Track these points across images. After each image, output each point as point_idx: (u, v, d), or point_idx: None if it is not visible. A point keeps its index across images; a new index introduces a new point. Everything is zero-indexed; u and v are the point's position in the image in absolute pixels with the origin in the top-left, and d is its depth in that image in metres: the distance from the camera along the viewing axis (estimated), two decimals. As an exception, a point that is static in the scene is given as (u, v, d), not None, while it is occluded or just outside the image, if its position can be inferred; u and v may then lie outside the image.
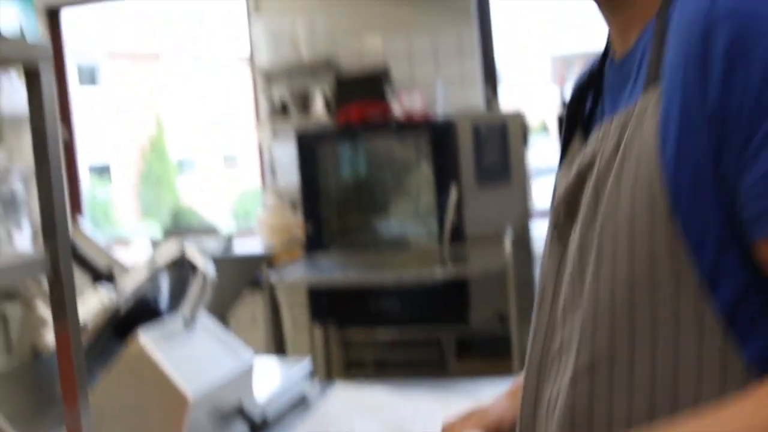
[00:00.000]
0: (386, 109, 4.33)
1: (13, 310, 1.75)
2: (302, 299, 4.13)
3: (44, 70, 1.11)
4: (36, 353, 1.70)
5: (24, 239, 5.25)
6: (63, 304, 1.16)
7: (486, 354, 4.10)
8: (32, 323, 1.63)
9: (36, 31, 1.07)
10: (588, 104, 0.98)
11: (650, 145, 0.76)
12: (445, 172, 4.12)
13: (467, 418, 1.15)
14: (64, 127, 5.50)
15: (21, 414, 1.58)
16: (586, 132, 0.95)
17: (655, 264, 0.76)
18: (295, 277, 3.89)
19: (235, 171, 18.83)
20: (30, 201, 5.32)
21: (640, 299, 0.77)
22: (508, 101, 4.85)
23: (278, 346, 4.27)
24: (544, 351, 0.91)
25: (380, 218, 4.39)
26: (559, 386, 0.86)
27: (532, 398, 0.92)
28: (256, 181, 5.06)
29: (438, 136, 4.16)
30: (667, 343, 0.76)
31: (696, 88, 0.73)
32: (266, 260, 1.84)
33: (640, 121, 0.78)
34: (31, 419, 1.59)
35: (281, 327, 4.32)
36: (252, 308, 4.29)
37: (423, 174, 4.33)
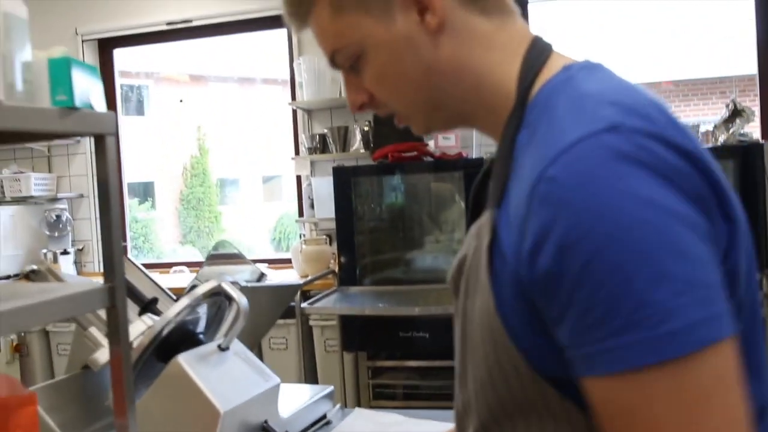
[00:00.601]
0: (422, 147, 4.52)
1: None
2: (334, 328, 4.32)
3: (110, 136, 1.33)
4: (85, 368, 1.91)
5: (68, 261, 5.53)
6: (118, 330, 1.36)
7: None
8: (85, 343, 1.84)
9: (101, 97, 1.24)
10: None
11: (485, 259, 0.88)
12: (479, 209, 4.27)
13: None
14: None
15: (69, 422, 1.79)
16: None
17: (503, 366, 0.87)
18: (328, 307, 4.10)
19: (274, 194, 19.06)
20: (73, 225, 5.60)
21: (501, 392, 0.89)
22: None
23: (310, 373, 4.46)
24: (458, 400, 1.04)
25: (414, 253, 4.55)
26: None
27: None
28: (294, 206, 5.26)
29: (472, 174, 4.34)
30: (543, 422, 0.87)
31: (514, 247, 0.84)
32: (299, 290, 2.03)
33: (481, 238, 0.91)
34: (79, 427, 1.80)
35: (313, 354, 4.52)
36: (286, 335, 4.51)
37: (457, 210, 4.50)
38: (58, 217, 5.57)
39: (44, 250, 5.40)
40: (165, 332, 1.70)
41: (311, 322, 4.44)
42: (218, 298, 1.83)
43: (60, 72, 1.24)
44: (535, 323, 0.83)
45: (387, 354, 4.32)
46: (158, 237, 15.44)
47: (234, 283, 1.79)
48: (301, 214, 5.29)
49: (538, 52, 0.97)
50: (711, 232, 0.80)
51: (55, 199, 5.63)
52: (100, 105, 1.32)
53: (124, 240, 5.85)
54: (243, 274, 1.97)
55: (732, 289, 0.82)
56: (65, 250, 5.52)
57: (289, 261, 5.11)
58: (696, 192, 0.79)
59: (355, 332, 4.23)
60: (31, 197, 5.44)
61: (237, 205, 18.70)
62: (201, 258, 12.06)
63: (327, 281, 4.56)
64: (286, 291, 2.18)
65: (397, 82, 1.00)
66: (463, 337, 0.97)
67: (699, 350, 0.74)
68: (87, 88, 1.29)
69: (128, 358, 1.39)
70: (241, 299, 1.74)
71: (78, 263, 5.72)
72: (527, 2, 4.99)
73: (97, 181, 1.34)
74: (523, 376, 0.86)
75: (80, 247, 5.73)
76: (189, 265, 5.61)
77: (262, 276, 2.08)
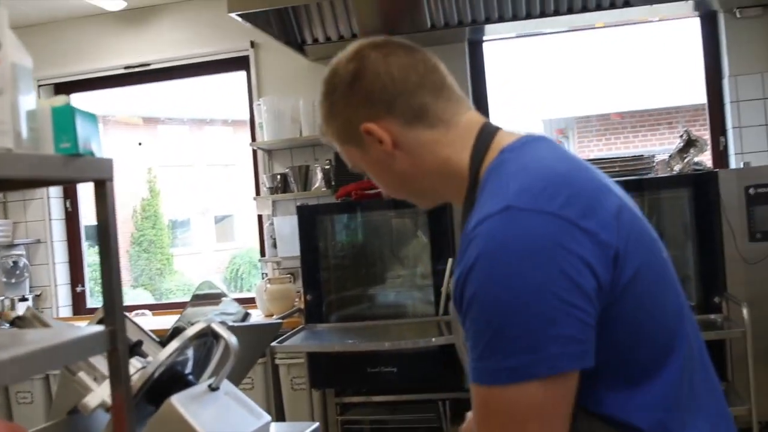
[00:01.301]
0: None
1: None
2: (301, 366, 4.32)
3: (109, 181, 1.35)
4: (71, 413, 1.92)
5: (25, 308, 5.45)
6: (119, 373, 1.38)
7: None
8: (72, 388, 1.84)
9: (100, 143, 1.26)
10: None
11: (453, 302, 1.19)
12: (441, 243, 4.34)
13: None
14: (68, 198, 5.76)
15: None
16: None
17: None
18: (298, 345, 4.11)
19: (227, 234, 18.97)
20: (30, 270, 5.55)
21: None
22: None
23: (278, 412, 4.45)
24: None
25: (378, 288, 4.58)
26: None
27: None
28: (249, 242, 5.29)
29: (433, 210, 4.38)
30: None
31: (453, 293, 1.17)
32: (279, 327, 2.06)
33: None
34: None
35: (280, 392, 4.51)
36: (252, 375, 4.49)
37: (420, 245, 4.55)
38: (15, 263, 5.51)
39: (1, 297, 5.33)
40: (156, 374, 1.71)
41: (277, 361, 4.44)
42: (206, 339, 1.85)
43: (63, 120, 1.27)
44: None
45: (355, 390, 4.34)
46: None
47: (222, 323, 1.81)
48: (263, 253, 5.29)
49: (483, 139, 1.30)
50: (591, 274, 1.08)
51: (11, 245, 5.57)
52: (99, 151, 1.35)
53: (83, 284, 5.79)
54: (227, 314, 1.99)
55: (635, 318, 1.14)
56: (23, 296, 5.46)
57: (246, 300, 5.11)
58: (570, 250, 1.08)
59: (323, 369, 4.22)
60: (-13, 243, 5.38)
61: (189, 246, 18.58)
62: (154, 301, 11.94)
63: (293, 319, 4.57)
64: (269, 329, 2.20)
65: (389, 187, 1.40)
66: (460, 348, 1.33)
67: (505, 385, 1.07)
68: (88, 135, 1.32)
69: (130, 400, 1.41)
70: (231, 338, 1.77)
71: (37, 309, 5.64)
72: (482, 41, 5.10)
73: (98, 225, 1.36)
74: None
75: (38, 293, 5.66)
76: (151, 308, 5.57)
77: (246, 315, 2.10)
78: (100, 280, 1.34)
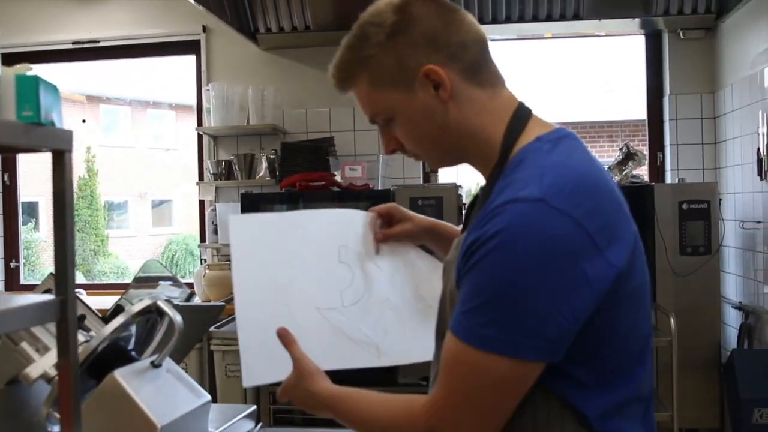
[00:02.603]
0: (330, 177, 4.60)
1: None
2: (237, 353, 4.30)
3: (68, 152, 1.37)
4: (9, 383, 1.91)
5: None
6: (68, 344, 1.39)
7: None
8: (12, 358, 1.84)
9: (61, 114, 1.27)
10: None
11: (455, 272, 1.26)
12: (381, 239, 4.38)
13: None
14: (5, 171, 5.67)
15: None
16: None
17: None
18: (233, 331, 4.10)
19: (164, 219, 18.78)
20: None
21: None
22: (448, 174, 5.18)
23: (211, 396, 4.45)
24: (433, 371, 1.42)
25: (313, 279, 4.61)
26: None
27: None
28: (186, 229, 5.26)
29: (377, 203, 4.43)
30: None
31: (462, 252, 1.23)
32: (222, 310, 2.07)
33: (457, 247, 1.32)
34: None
35: (214, 378, 4.52)
36: (186, 359, 4.49)
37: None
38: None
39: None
40: (100, 348, 1.72)
41: (212, 347, 4.44)
42: (149, 316, 1.87)
43: (27, 88, 1.28)
44: None
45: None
46: (40, 259, 14.95)
47: (167, 301, 1.83)
48: (203, 239, 5.29)
49: (520, 120, 1.33)
50: (584, 285, 1.15)
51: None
52: (60, 122, 1.37)
53: (17, 260, 5.71)
54: (172, 294, 2.01)
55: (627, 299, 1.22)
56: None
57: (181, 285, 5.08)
58: (576, 259, 1.14)
59: (259, 357, 4.22)
60: None
61: (124, 229, 18.34)
62: (86, 281, 11.76)
63: (230, 307, 4.56)
64: (212, 311, 2.22)
65: (419, 139, 1.38)
66: (440, 309, 1.39)
67: (492, 353, 1.15)
68: (50, 106, 1.33)
69: (77, 372, 1.42)
70: (176, 316, 1.79)
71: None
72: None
73: (54, 196, 1.37)
74: None
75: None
76: (85, 287, 5.52)
77: (191, 296, 2.12)
78: (32, 258, 1.34)
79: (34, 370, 1.74)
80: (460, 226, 1.58)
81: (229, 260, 4.94)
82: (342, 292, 1.66)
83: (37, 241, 15.21)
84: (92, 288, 5.60)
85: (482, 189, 1.36)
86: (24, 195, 5.84)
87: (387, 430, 1.34)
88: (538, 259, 1.13)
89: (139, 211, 18.75)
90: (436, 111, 1.33)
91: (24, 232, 6.43)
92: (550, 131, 1.31)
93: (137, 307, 1.77)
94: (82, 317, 1.97)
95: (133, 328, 1.89)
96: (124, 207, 18.76)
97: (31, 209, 15.72)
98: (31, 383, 1.73)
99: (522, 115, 1.34)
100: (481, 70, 1.34)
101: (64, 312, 1.38)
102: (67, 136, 1.37)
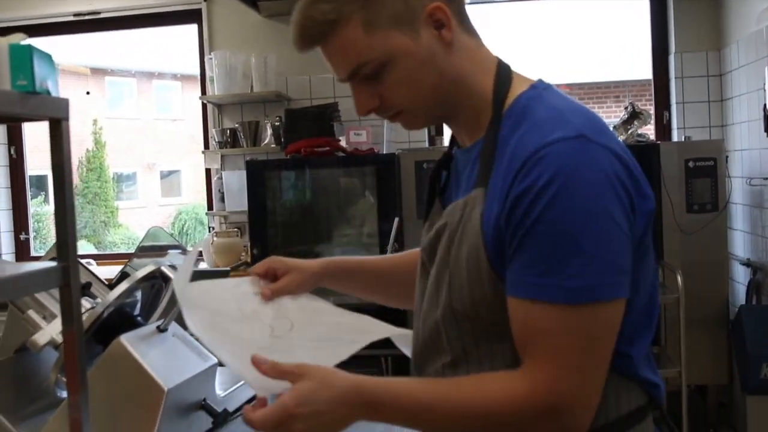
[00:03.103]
0: (335, 142, 4.60)
1: None
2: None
3: (65, 121, 1.38)
4: (18, 351, 1.94)
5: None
6: (71, 310, 1.41)
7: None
8: (20, 326, 1.87)
9: (57, 84, 1.28)
10: (443, 179, 1.42)
11: (477, 224, 1.19)
12: (388, 204, 4.41)
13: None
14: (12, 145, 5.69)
15: (3, 404, 1.81)
16: (443, 198, 1.39)
17: (485, 290, 1.19)
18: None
19: (173, 190, 18.82)
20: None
21: (480, 312, 1.21)
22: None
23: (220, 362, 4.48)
24: (417, 343, 1.34)
25: (325, 245, 4.62)
26: (434, 369, 1.30)
27: (418, 372, 1.34)
28: (195, 199, 5.27)
29: (382, 170, 4.45)
30: (503, 343, 1.20)
31: (501, 203, 1.15)
32: (227, 274, 2.08)
33: (472, 207, 1.21)
34: (13, 410, 1.82)
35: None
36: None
37: (367, 204, 4.60)
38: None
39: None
40: (105, 314, 1.74)
41: (223, 314, 4.47)
42: (155, 282, 1.89)
43: (21, 57, 1.29)
44: (504, 256, 1.16)
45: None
46: (51, 232, 15.03)
47: (172, 266, 1.85)
48: (210, 207, 5.30)
49: (505, 71, 1.29)
50: (631, 220, 1.14)
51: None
52: (56, 91, 1.37)
53: (27, 232, 5.75)
54: (177, 260, 2.02)
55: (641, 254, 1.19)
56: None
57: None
58: (626, 191, 1.13)
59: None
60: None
61: (134, 200, 18.39)
62: (96, 252, 11.82)
63: (239, 273, 4.59)
64: (217, 276, 2.23)
65: (416, 84, 1.25)
66: (438, 280, 1.27)
67: (592, 303, 1.10)
68: (44, 75, 1.34)
69: (81, 337, 1.44)
70: (180, 281, 1.80)
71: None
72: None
73: (52, 164, 1.38)
74: (499, 297, 1.17)
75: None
76: (95, 257, 5.55)
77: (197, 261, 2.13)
78: (43, 231, 1.35)
79: (41, 337, 1.76)
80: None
81: (237, 227, 4.98)
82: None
83: (47, 214, 15.27)
84: (103, 258, 5.63)
85: (464, 150, 1.33)
86: (32, 169, 5.85)
87: (488, 427, 1.16)
88: (600, 193, 1.10)
89: (147, 182, 18.79)
90: (438, 54, 1.24)
91: (34, 205, 6.46)
92: (537, 81, 1.29)
93: (141, 272, 1.78)
94: (88, 285, 1.99)
95: (139, 294, 1.90)
96: (132, 179, 18.80)
97: (40, 183, 15.77)
98: (38, 350, 1.76)
99: (506, 66, 1.31)
100: (466, 16, 1.30)
101: (67, 278, 1.39)
102: (63, 104, 1.38)
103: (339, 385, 1.16)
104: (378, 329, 1.46)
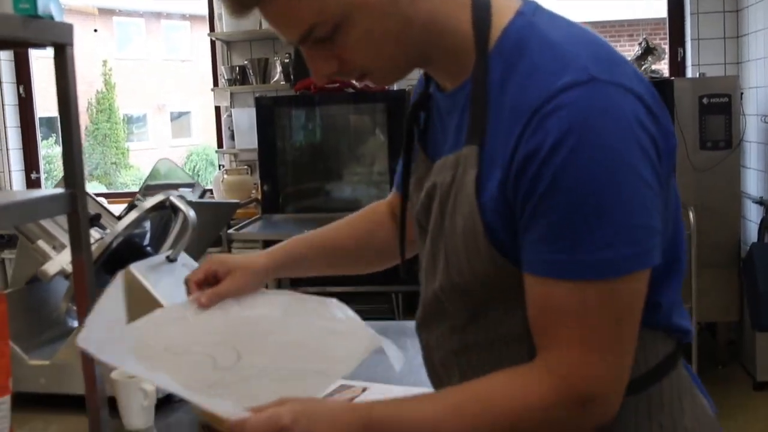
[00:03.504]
0: (344, 80, 4.56)
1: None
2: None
3: (69, 46, 1.35)
4: (29, 282, 1.94)
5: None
6: (80, 237, 1.41)
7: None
8: (30, 257, 1.87)
9: (60, 9, 1.26)
10: (421, 121, 1.22)
11: (471, 193, 1.03)
12: (399, 141, 4.36)
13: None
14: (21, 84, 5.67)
15: (16, 334, 1.82)
16: (426, 146, 1.21)
17: (486, 265, 1.04)
18: (254, 232, 4.17)
19: (183, 131, 18.79)
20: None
21: (483, 284, 1.07)
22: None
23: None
24: (421, 307, 1.22)
25: (335, 183, 4.63)
26: (441, 331, 1.17)
27: (425, 332, 1.22)
28: (205, 140, 5.25)
29: (393, 107, 4.41)
30: (516, 309, 1.05)
31: (505, 168, 0.99)
32: (237, 208, 2.07)
33: (464, 169, 1.05)
34: (25, 339, 1.83)
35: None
36: (207, 263, 4.54)
37: (378, 142, 4.58)
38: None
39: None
40: (114, 244, 1.74)
41: (234, 251, 4.48)
42: (164, 213, 1.88)
43: (24, -21, 1.26)
44: (513, 228, 1.01)
45: (309, 281, 4.40)
46: (62, 173, 15.02)
47: (180, 197, 1.84)
48: (220, 145, 5.29)
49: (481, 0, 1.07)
50: (658, 170, 0.98)
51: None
52: (60, 16, 1.35)
53: (38, 171, 5.75)
54: (185, 191, 2.02)
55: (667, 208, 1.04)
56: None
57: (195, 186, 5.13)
58: (651, 139, 0.97)
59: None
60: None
61: (145, 141, 18.39)
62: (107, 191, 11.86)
63: (249, 210, 4.61)
64: (226, 208, 2.23)
65: (380, 39, 1.04)
66: (434, 249, 1.13)
67: (621, 277, 0.96)
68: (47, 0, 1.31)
69: (90, 265, 1.44)
70: (190, 211, 1.79)
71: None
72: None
73: (58, 91, 1.36)
74: (503, 270, 1.04)
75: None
76: (106, 196, 5.56)
77: (204, 193, 2.13)
78: (54, 173, 1.34)
79: (51, 267, 1.76)
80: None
81: (247, 165, 4.97)
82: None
83: (58, 156, 15.29)
84: (114, 196, 5.65)
85: (446, 95, 1.14)
86: (43, 110, 5.84)
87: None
88: (623, 147, 0.94)
89: (158, 124, 18.77)
90: (401, 1, 1.03)
91: (45, 147, 6.47)
92: (521, 5, 1.08)
93: (150, 202, 1.77)
94: (98, 216, 1.98)
95: (148, 225, 1.90)
96: (142, 120, 18.77)
97: (51, 124, 15.76)
98: (48, 279, 1.76)
99: None
100: None
101: (74, 204, 1.38)
102: (67, 29, 1.35)
103: (336, 408, 1.04)
104: (346, 344, 1.23)
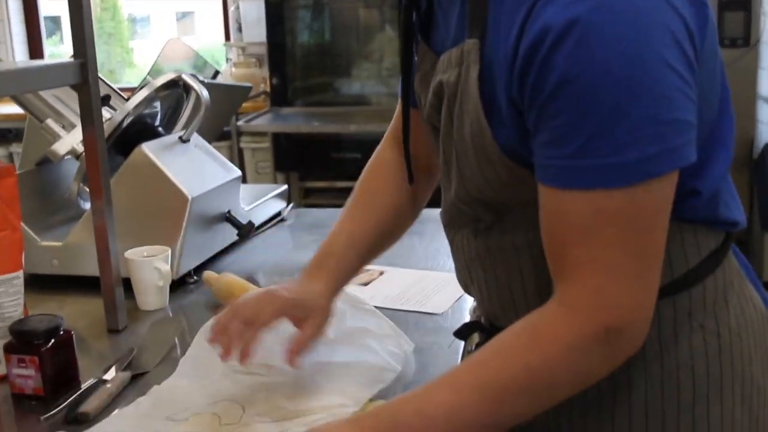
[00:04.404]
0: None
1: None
2: (266, 150, 4.35)
3: None
4: (39, 164, 1.90)
5: None
6: (91, 110, 1.36)
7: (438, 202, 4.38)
8: (40, 137, 1.82)
9: None
10: (423, 5, 1.08)
11: (475, 95, 0.91)
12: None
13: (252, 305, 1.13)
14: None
15: (27, 215, 1.79)
16: (428, 37, 1.07)
17: (500, 176, 0.94)
18: (262, 125, 4.14)
19: (188, 30, 18.52)
20: None
21: (500, 192, 0.97)
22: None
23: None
24: (445, 207, 1.11)
25: (344, 77, 4.56)
26: (468, 230, 1.08)
27: (452, 230, 1.13)
28: (213, 38, 5.15)
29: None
30: (528, 213, 0.94)
31: (508, 62, 0.86)
32: (249, 92, 2.01)
33: (467, 66, 0.92)
34: (35, 220, 1.80)
35: (245, 176, 4.53)
36: (215, 157, 4.50)
37: (387, 37, 4.49)
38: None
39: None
40: (125, 123, 1.70)
41: (242, 144, 4.42)
42: (175, 93, 1.83)
43: None
44: (523, 131, 0.88)
45: (318, 175, 4.38)
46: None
47: (193, 75, 1.79)
48: (227, 38, 5.19)
49: None
50: (690, 57, 0.83)
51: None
52: None
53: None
54: (196, 72, 1.96)
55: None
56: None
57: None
58: (680, 17, 0.82)
59: (288, 152, 4.27)
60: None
61: (150, 41, 18.13)
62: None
63: (258, 103, 4.55)
64: (238, 91, 2.18)
65: None
66: (446, 154, 1.03)
67: (644, 182, 0.82)
68: None
69: (102, 141, 1.40)
70: (202, 90, 1.75)
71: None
72: None
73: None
74: (516, 177, 0.93)
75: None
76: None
77: (216, 74, 2.07)
78: None
79: (61, 147, 1.72)
80: None
81: (256, 57, 4.88)
82: None
83: (63, 55, 15.09)
84: (122, 90, 5.55)
85: None
86: (47, 11, 5.74)
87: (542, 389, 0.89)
88: (639, 28, 0.80)
89: (163, 23, 18.48)
90: None
91: (49, 45, 6.37)
92: None
93: (161, 80, 1.73)
94: (108, 97, 1.93)
95: (159, 106, 1.85)
96: (146, 21, 18.47)
97: (56, 23, 15.48)
98: (58, 159, 1.72)
99: None
100: None
101: (85, 74, 1.34)
102: None
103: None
104: (359, 379, 1.15)
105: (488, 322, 1.15)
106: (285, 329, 1.14)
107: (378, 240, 1.26)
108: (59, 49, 14.55)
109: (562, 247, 0.87)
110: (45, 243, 1.71)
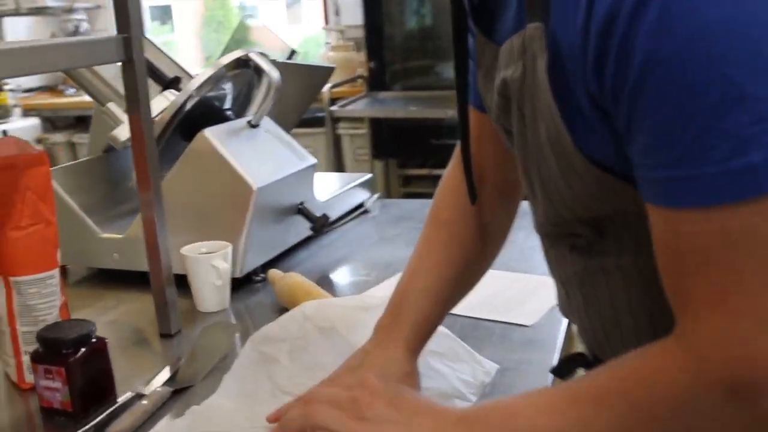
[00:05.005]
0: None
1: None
2: (364, 137, 4.21)
3: None
4: (107, 151, 1.79)
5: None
6: (136, 90, 1.22)
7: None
8: (105, 123, 1.71)
9: None
10: None
11: (545, 83, 0.72)
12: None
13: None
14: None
15: (92, 204, 1.67)
16: (484, 26, 0.89)
17: (589, 187, 0.75)
18: (358, 109, 4.00)
19: (295, 18, 18.63)
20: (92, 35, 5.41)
21: (587, 206, 0.78)
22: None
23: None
24: (536, 225, 0.92)
25: (445, 61, 4.39)
26: (557, 251, 0.90)
27: (545, 243, 0.94)
28: (318, 26, 5.06)
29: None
30: (631, 230, 0.77)
31: (580, 49, 0.67)
32: (332, 73, 1.84)
33: (533, 57, 0.74)
34: (101, 209, 1.69)
35: (342, 165, 4.40)
36: (313, 144, 4.37)
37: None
38: (77, 27, 5.37)
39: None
40: (188, 106, 1.55)
41: (340, 131, 4.28)
42: (247, 75, 1.68)
43: None
44: (611, 133, 0.69)
45: (418, 163, 4.22)
46: (180, 58, 15.12)
47: (262, 54, 1.63)
48: (326, 21, 5.09)
49: None
50: None
51: (71, 10, 5.40)
52: None
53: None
54: (272, 52, 1.80)
55: None
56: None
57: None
58: None
59: (386, 139, 4.12)
60: (47, 8, 5.21)
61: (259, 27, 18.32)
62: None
63: (355, 88, 4.41)
64: (318, 72, 2.01)
65: None
66: (525, 166, 0.83)
67: None
68: None
69: (149, 124, 1.26)
70: (272, 71, 1.59)
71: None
72: None
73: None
74: (608, 188, 0.74)
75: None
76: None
77: (293, 53, 1.91)
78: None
79: (122, 132, 1.59)
80: None
81: (353, 41, 4.75)
82: None
83: (174, 44, 15.37)
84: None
85: None
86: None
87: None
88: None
89: (272, 11, 18.63)
90: None
91: (161, 33, 6.47)
92: None
93: (227, 58, 1.58)
94: (177, 79, 1.80)
95: (229, 88, 1.71)
96: (254, 9, 18.66)
97: (165, 13, 15.81)
98: (120, 146, 1.60)
99: None
100: None
101: (129, 51, 1.20)
102: None
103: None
104: None
105: (592, 355, 0.94)
106: (342, 348, 1.01)
107: (451, 284, 1.06)
108: (169, 38, 14.86)
109: (681, 277, 0.67)
110: (105, 235, 1.59)
